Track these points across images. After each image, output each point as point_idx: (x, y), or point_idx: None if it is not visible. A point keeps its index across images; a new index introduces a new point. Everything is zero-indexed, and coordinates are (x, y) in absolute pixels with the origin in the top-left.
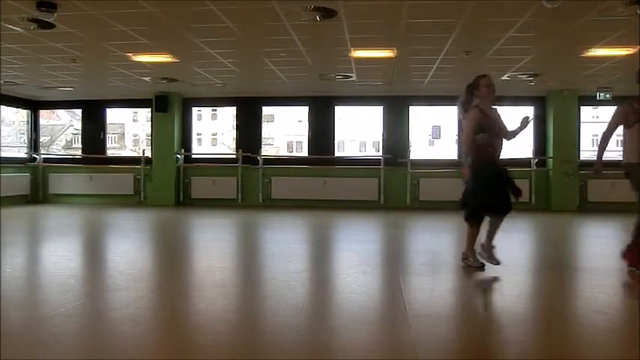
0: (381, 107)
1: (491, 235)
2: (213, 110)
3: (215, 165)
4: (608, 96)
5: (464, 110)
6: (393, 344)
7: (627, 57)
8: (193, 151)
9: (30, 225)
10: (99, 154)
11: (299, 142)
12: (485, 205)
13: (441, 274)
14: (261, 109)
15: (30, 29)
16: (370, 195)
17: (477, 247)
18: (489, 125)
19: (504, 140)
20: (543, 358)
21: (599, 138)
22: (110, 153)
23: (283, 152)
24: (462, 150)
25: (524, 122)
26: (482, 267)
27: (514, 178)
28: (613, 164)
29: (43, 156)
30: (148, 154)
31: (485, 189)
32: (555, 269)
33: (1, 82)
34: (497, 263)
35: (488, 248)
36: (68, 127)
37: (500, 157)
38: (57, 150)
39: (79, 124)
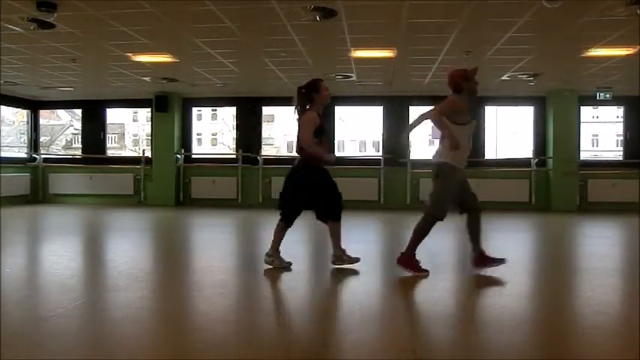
0: (381, 107)
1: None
2: (213, 110)
3: (215, 165)
4: (608, 96)
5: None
6: (393, 344)
7: (627, 57)
8: (193, 151)
9: (30, 225)
10: (99, 154)
11: None
12: None
13: (441, 274)
14: (261, 109)
15: (30, 29)
16: (370, 195)
17: None
18: None
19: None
20: (543, 358)
21: None
22: (110, 153)
23: (283, 152)
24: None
25: None
26: None
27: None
28: (613, 164)
29: (43, 156)
30: (148, 154)
31: None
32: (555, 269)
33: (1, 82)
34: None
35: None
36: (68, 127)
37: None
38: (57, 150)
39: (79, 124)
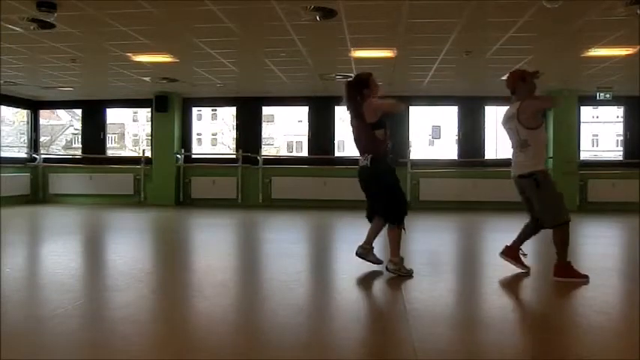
0: None
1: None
2: (213, 110)
3: (215, 165)
4: (608, 96)
5: None
6: (393, 344)
7: (627, 57)
8: (193, 151)
9: (30, 225)
10: (99, 154)
11: (299, 142)
12: None
13: (441, 274)
14: (261, 109)
15: (30, 29)
16: None
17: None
18: None
19: None
20: (543, 358)
21: None
22: (110, 153)
23: (283, 152)
24: None
25: None
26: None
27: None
28: (613, 164)
29: (43, 156)
30: (148, 154)
31: None
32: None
33: (1, 82)
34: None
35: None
36: (68, 127)
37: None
38: (57, 150)
39: (79, 124)
